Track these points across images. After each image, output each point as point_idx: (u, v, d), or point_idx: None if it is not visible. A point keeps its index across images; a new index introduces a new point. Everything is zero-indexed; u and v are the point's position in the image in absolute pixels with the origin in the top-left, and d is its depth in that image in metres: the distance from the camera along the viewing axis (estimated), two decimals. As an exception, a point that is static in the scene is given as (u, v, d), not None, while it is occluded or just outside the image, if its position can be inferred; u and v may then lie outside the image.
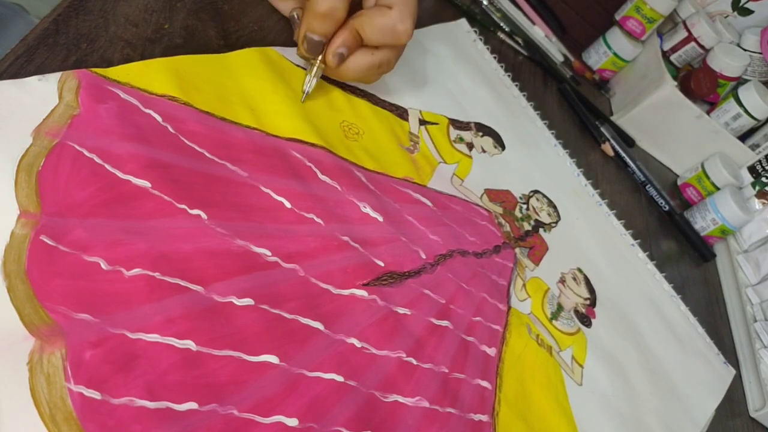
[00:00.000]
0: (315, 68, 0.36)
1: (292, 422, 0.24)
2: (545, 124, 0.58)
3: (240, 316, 0.25)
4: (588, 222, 0.53)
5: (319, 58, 0.35)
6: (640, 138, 0.73)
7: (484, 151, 0.48)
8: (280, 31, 0.39)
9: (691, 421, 0.46)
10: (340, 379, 0.27)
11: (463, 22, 0.58)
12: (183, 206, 0.27)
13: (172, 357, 0.23)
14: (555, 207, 0.50)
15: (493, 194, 0.45)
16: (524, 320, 0.39)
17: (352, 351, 0.28)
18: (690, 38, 0.74)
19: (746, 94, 0.71)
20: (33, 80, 0.26)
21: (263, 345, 0.25)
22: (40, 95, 0.26)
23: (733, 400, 0.54)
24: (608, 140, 0.66)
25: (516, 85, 0.58)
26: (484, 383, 0.33)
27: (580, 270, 0.47)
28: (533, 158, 0.53)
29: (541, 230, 0.47)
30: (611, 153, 0.66)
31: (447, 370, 0.32)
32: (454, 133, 0.46)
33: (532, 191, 0.49)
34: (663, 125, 0.72)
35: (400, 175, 0.39)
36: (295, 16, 0.37)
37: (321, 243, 0.31)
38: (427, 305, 0.33)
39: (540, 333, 0.39)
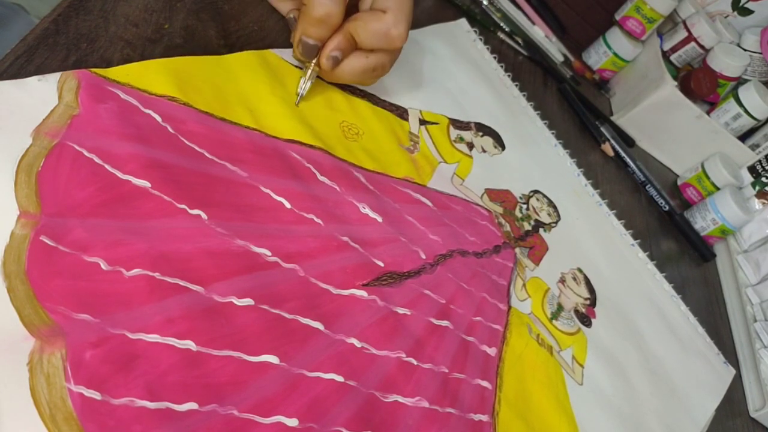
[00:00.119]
0: (309, 71, 0.36)
1: (292, 422, 0.24)
2: (545, 124, 0.58)
3: (240, 316, 0.25)
4: (588, 222, 0.53)
5: (314, 61, 0.36)
6: (640, 138, 0.73)
7: (484, 151, 0.48)
8: (280, 32, 0.39)
9: (691, 421, 0.46)
10: (340, 379, 0.27)
11: (463, 22, 0.58)
12: (183, 206, 0.27)
13: (172, 357, 0.23)
14: (555, 207, 0.50)
15: (493, 194, 0.45)
16: (524, 320, 0.39)
17: (352, 351, 0.28)
18: (690, 38, 0.74)
19: (746, 94, 0.71)
20: (33, 80, 0.26)
21: (263, 345, 0.25)
22: (40, 95, 0.26)
23: (733, 400, 0.54)
24: (608, 140, 0.66)
25: (516, 85, 0.58)
26: (484, 383, 0.33)
27: (580, 270, 0.47)
28: (533, 158, 0.53)
29: (541, 230, 0.47)
30: (611, 153, 0.66)
31: (447, 370, 0.32)
32: (455, 132, 0.46)
33: (532, 191, 0.49)
34: (663, 125, 0.72)
35: (400, 175, 0.39)
36: (293, 17, 0.37)
37: (321, 243, 0.31)
38: (427, 305, 0.33)
39: (540, 333, 0.39)
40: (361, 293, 0.31)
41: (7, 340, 0.20)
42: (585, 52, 0.78)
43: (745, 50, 0.73)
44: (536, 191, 0.50)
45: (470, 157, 0.46)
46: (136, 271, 0.24)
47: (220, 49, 0.35)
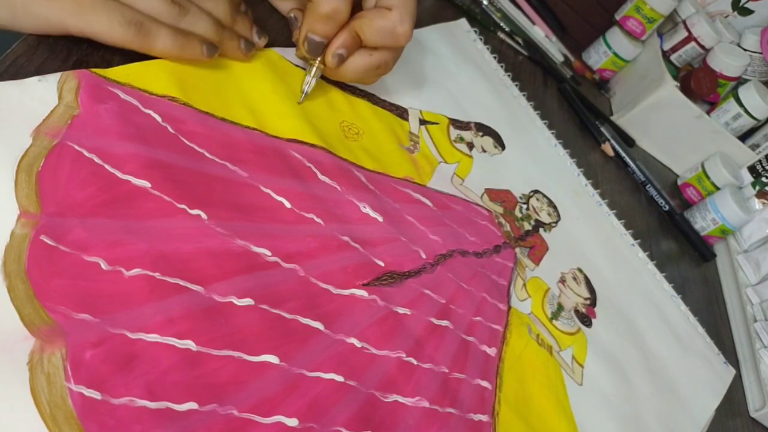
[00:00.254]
0: (314, 69, 0.36)
1: (292, 422, 0.24)
2: (545, 124, 0.58)
3: (240, 316, 0.25)
4: (588, 222, 0.53)
5: (319, 58, 0.35)
6: (640, 138, 0.73)
7: (484, 151, 0.48)
8: (280, 31, 0.39)
9: (691, 421, 0.46)
10: (340, 379, 0.27)
11: (463, 22, 0.58)
12: (183, 206, 0.27)
13: (172, 357, 0.23)
14: (555, 207, 0.50)
15: (493, 194, 0.45)
16: (524, 320, 0.39)
17: (352, 351, 0.28)
18: (690, 38, 0.74)
19: (746, 94, 0.70)
20: (33, 80, 0.26)
21: (263, 345, 0.25)
22: (40, 95, 0.26)
23: (733, 400, 0.54)
24: (608, 140, 0.66)
25: (516, 85, 0.58)
26: (484, 383, 0.33)
27: (580, 270, 0.47)
28: (533, 158, 0.53)
29: (541, 230, 0.47)
30: (611, 153, 0.66)
31: (447, 370, 0.32)
32: (455, 132, 0.46)
33: (532, 191, 0.49)
34: (663, 125, 0.72)
35: (401, 175, 0.39)
36: (293, 16, 0.37)
37: (321, 243, 0.31)
38: (427, 305, 0.33)
39: (540, 333, 0.39)
40: (362, 293, 0.31)
41: (8, 340, 0.20)
42: (585, 52, 0.78)
43: (745, 50, 0.73)
44: (536, 191, 0.50)
45: (470, 157, 0.46)
46: (136, 271, 0.24)
47: (220, 49, 0.35)
